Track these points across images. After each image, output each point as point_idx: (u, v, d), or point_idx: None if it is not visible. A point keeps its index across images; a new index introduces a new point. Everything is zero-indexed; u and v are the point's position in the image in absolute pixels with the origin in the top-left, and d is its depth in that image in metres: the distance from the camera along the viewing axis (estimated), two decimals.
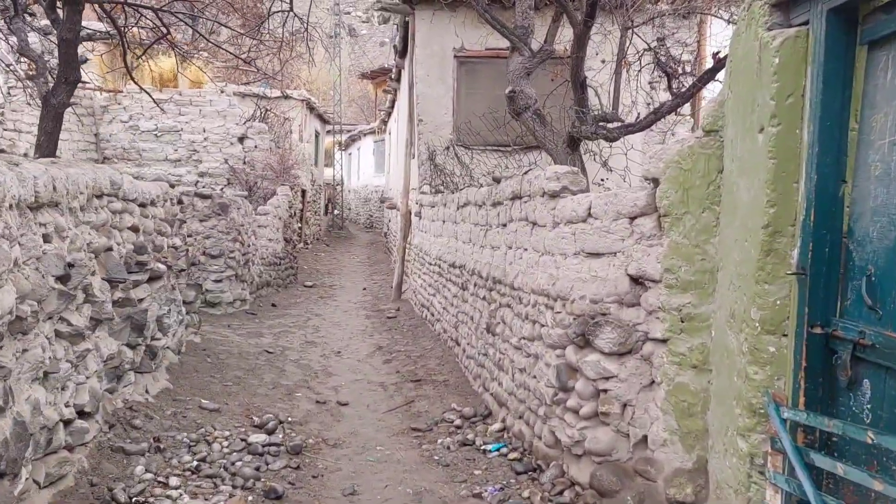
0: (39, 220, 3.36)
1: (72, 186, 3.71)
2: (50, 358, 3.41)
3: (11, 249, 2.94)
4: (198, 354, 6.88)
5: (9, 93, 12.69)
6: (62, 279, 3.51)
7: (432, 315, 9.04)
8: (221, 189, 15.38)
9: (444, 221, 8.86)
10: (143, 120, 15.85)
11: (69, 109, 12.47)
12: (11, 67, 8.79)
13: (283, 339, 8.60)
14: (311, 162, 25.10)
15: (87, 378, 3.96)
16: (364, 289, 14.21)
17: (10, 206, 2.98)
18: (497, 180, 6.05)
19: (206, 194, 9.80)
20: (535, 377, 4.61)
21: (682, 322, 3.54)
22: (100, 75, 15.96)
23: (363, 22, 57.45)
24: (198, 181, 15.96)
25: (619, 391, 3.75)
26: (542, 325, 4.50)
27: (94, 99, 15.81)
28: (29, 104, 11.25)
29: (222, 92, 15.91)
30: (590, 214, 4.06)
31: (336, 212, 31.54)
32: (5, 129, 13.07)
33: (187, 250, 6.91)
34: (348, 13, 54.82)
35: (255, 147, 15.99)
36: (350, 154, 40.08)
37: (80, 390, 3.84)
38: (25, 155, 8.84)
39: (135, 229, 5.07)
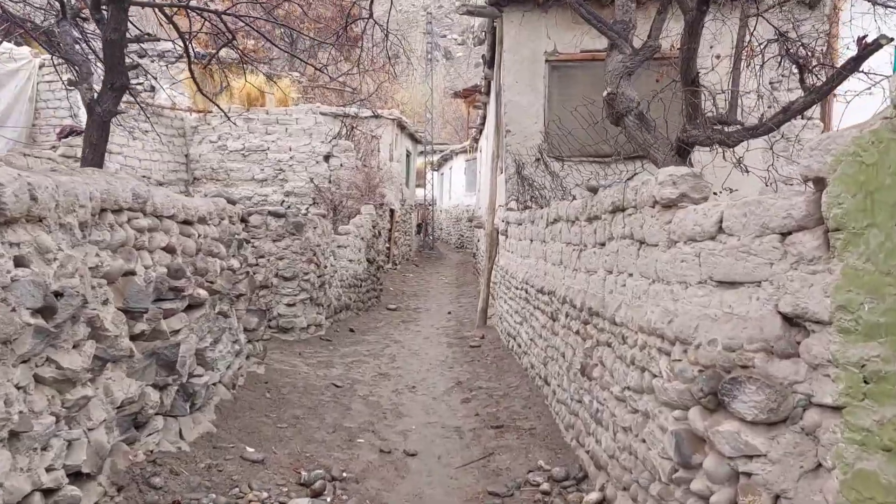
0: (9, 240, 2.68)
1: (64, 198, 3.03)
2: (20, 413, 2.70)
3: None
4: (257, 388, 6.20)
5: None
6: (42, 312, 2.82)
7: (518, 346, 8.06)
8: (307, 208, 15.03)
9: (531, 241, 7.92)
10: (230, 140, 15.77)
11: (154, 130, 12.45)
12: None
13: (354, 370, 7.84)
14: (402, 181, 24.71)
15: (89, 431, 3.26)
16: (449, 313, 13.38)
17: None
18: (593, 189, 5.06)
19: (279, 212, 9.26)
20: (644, 441, 3.56)
21: (866, 383, 2.43)
22: (190, 96, 16.04)
23: (459, 44, 57.50)
24: (283, 201, 15.69)
25: (769, 476, 2.67)
26: (655, 376, 3.46)
27: (184, 120, 15.88)
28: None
29: (311, 110, 15.62)
30: (721, 229, 3.02)
31: (428, 232, 31.10)
32: None
33: (248, 272, 6.26)
34: (444, 36, 55.01)
35: (341, 165, 15.57)
36: (442, 174, 39.73)
37: (76, 447, 3.14)
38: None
39: (170, 250, 4.41)
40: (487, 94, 16.05)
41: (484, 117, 22.74)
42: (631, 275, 4.01)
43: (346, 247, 11.56)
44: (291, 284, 9.17)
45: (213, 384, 5.19)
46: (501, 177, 10.99)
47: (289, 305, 9.15)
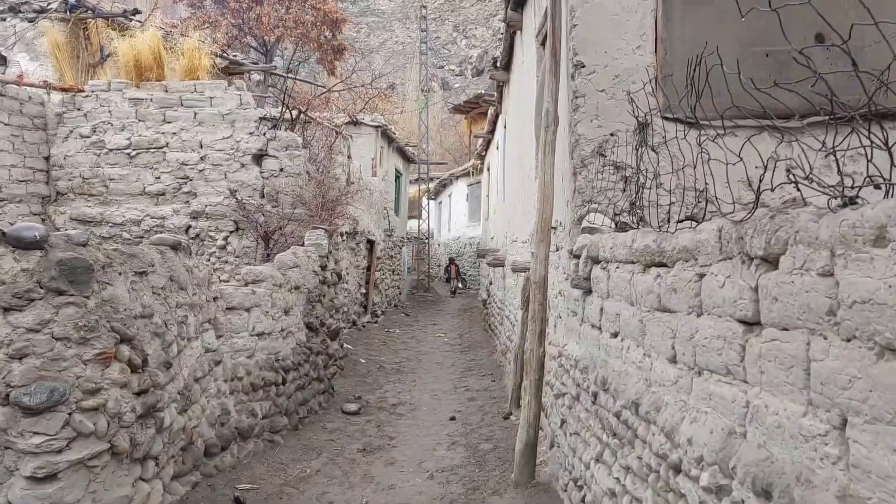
0: None
1: None
2: None
3: None
4: None
5: None
6: None
7: None
8: (225, 237, 9.36)
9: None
10: (111, 132, 10.16)
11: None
12: None
13: None
14: (387, 206, 19.12)
15: None
16: (453, 418, 7.63)
17: None
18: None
19: (24, 239, 3.60)
20: None
21: None
22: (55, 68, 10.49)
23: (456, 75, 53.54)
24: (189, 226, 10.02)
25: None
26: None
27: (45, 104, 10.29)
28: None
29: (231, 84, 10.06)
30: None
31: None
32: None
33: None
34: (441, 67, 50.73)
35: (281, 170, 9.94)
36: (440, 202, 34.18)
37: None
38: None
39: None
40: (506, 67, 10.64)
41: (494, 123, 17.26)
42: None
43: (248, 309, 5.85)
44: (45, 425, 3.48)
45: None
46: (564, 163, 5.36)
47: (35, 481, 3.45)
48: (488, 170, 21.27)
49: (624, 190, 4.97)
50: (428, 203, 28.87)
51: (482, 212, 23.66)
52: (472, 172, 26.32)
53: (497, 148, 16.72)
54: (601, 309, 4.01)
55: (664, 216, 5.02)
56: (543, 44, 7.74)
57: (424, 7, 27.15)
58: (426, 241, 28.09)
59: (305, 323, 7.50)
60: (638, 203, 4.97)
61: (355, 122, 17.62)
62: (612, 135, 4.96)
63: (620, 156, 4.90)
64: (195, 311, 5.03)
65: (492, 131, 18.65)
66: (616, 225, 4.68)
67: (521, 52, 9.19)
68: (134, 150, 10.08)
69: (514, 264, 7.56)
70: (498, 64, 11.27)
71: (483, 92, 26.91)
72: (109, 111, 10.08)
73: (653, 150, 4.96)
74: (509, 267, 10.91)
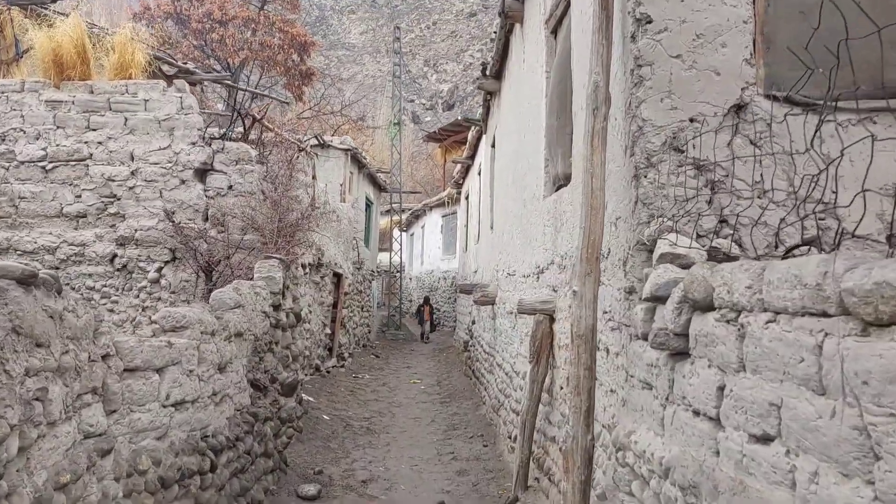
0: None
1: None
2: None
3: None
4: None
5: None
6: None
7: None
8: (159, 268, 7.63)
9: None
10: (23, 141, 8.38)
11: None
12: None
13: None
14: (359, 237, 17.44)
15: None
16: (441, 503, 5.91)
17: None
18: None
19: None
20: None
21: None
22: None
23: (427, 109, 52.86)
24: (115, 254, 8.23)
25: None
26: None
27: None
28: None
29: (172, 85, 8.36)
30: None
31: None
32: None
33: None
34: (411, 101, 49.93)
35: (230, 188, 8.24)
36: (412, 234, 32.53)
37: None
38: None
39: None
40: (499, 63, 9.21)
41: (476, 143, 15.79)
42: None
43: (159, 370, 4.10)
44: None
45: None
46: (612, 164, 3.76)
47: None
48: (467, 198, 19.75)
49: (710, 201, 3.41)
50: (400, 235, 27.24)
51: (459, 244, 22.09)
52: (448, 203, 24.81)
53: (479, 173, 15.21)
54: (721, 388, 2.39)
55: (771, 238, 3.46)
56: (555, 32, 6.26)
57: (398, 28, 25.89)
58: (398, 274, 26.38)
59: (250, 380, 5.75)
60: (729, 220, 3.43)
61: (323, 145, 16.01)
62: (691, 120, 3.41)
63: (705, 151, 3.35)
64: (67, 379, 3.29)
65: (472, 156, 17.16)
66: (709, 254, 3.10)
67: (520, 49, 7.70)
68: (50, 162, 8.29)
69: (521, 304, 5.93)
70: (488, 71, 9.79)
71: (460, 118, 25.52)
72: (22, 116, 8.31)
73: (752, 143, 3.42)
74: (501, 306, 9.28)
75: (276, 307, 6.65)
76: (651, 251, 3.42)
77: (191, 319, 4.56)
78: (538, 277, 6.60)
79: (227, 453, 4.85)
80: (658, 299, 3.04)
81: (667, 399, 2.89)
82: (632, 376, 3.36)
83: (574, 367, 3.52)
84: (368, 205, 20.51)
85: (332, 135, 18.35)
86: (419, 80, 52.77)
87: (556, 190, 5.93)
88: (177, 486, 4.14)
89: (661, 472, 2.79)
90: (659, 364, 2.96)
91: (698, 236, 3.32)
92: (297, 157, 9.46)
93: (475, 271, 14.27)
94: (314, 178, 10.69)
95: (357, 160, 18.02)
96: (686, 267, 3.06)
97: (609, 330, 3.90)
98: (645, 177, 3.41)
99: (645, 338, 3.21)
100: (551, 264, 5.92)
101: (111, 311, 8.22)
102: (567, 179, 5.55)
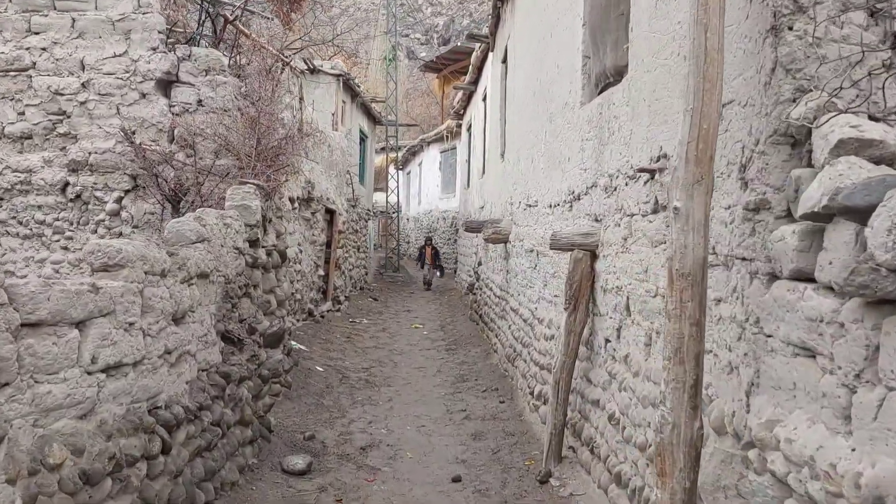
0: None
1: None
2: None
3: None
4: None
5: None
6: None
7: None
8: (120, 197, 6.43)
9: None
10: None
11: None
12: None
13: None
14: (353, 172, 16.12)
15: None
16: (457, 478, 4.86)
17: None
18: None
19: None
20: None
21: None
22: None
23: (422, 44, 50.66)
24: (67, 182, 7.00)
25: None
26: None
27: None
28: None
29: None
30: None
31: (390, 246, 22.23)
32: None
33: None
34: (406, 35, 47.88)
35: (199, 104, 6.95)
36: (409, 173, 31.10)
37: None
38: None
39: None
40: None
41: (480, 65, 14.35)
42: None
43: (79, 324, 2.97)
44: None
45: None
46: (748, 10, 2.49)
47: None
48: (469, 130, 18.32)
49: (890, 64, 2.21)
50: (397, 173, 25.90)
51: (460, 181, 20.77)
52: (447, 137, 23.34)
53: (484, 98, 13.82)
54: None
55: None
56: None
57: None
58: (394, 215, 25.16)
59: (221, 332, 4.63)
60: None
61: (312, 70, 14.56)
62: None
63: None
64: None
65: (475, 81, 15.71)
66: None
67: None
68: None
69: (556, 238, 4.76)
70: None
71: (460, 44, 23.83)
72: None
73: None
74: (517, 243, 8.13)
75: (254, 242, 5.48)
76: (795, 144, 2.25)
77: (129, 255, 3.40)
78: (571, 206, 5.43)
79: (187, 427, 3.76)
80: (829, 216, 1.88)
81: (857, 377, 1.76)
82: (768, 336, 2.23)
83: (674, 322, 2.37)
84: (363, 138, 19.11)
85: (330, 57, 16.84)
86: (413, 13, 50.55)
87: (601, 91, 4.70)
88: (110, 481, 3.06)
89: (858, 500, 1.68)
90: (840, 319, 1.82)
91: (871, 118, 2.14)
92: (281, 70, 8.14)
93: (481, 207, 13.08)
94: (301, 99, 9.38)
95: (350, 87, 16.55)
96: (882, 161, 1.90)
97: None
98: (790, 28, 2.20)
99: (799, 277, 2.06)
100: (593, 187, 4.73)
101: (66, 248, 7.05)
102: (619, 75, 4.31)
